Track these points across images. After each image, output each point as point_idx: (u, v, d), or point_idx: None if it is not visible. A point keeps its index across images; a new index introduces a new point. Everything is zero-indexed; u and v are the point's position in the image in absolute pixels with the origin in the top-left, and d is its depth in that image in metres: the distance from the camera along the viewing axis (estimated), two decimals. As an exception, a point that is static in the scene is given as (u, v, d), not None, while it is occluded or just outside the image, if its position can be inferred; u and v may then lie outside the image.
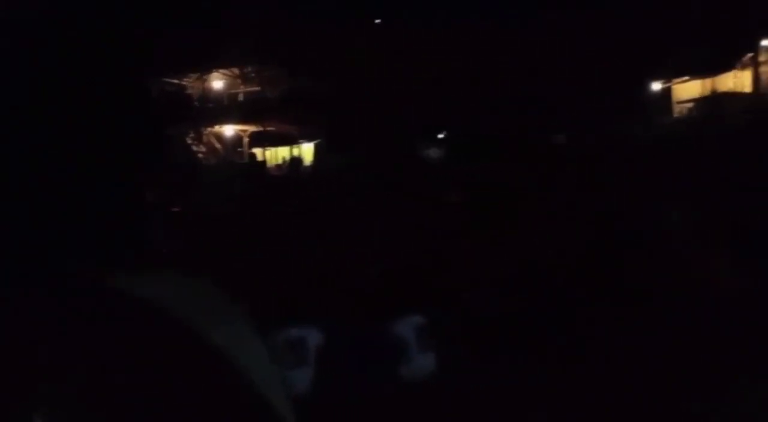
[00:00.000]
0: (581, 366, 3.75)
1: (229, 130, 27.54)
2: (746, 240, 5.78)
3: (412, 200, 6.84)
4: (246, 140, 27.74)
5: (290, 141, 27.45)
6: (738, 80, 24.61)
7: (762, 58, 23.78)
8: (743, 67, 24.42)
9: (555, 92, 22.62)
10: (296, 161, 21.71)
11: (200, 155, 25.95)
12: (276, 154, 27.41)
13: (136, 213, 0.81)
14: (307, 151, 27.15)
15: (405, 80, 24.56)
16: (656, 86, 26.87)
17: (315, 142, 26.71)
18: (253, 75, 28.01)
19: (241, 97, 28.92)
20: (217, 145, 27.35)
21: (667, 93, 26.87)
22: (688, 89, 26.05)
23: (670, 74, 26.11)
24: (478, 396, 3.19)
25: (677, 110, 25.70)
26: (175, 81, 26.53)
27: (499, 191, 7.32)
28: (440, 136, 24.90)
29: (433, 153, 20.44)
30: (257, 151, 26.74)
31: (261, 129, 27.20)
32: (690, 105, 24.42)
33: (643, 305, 4.57)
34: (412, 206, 6.54)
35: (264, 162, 25.22)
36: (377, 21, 28.20)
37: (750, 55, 23.92)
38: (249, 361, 0.68)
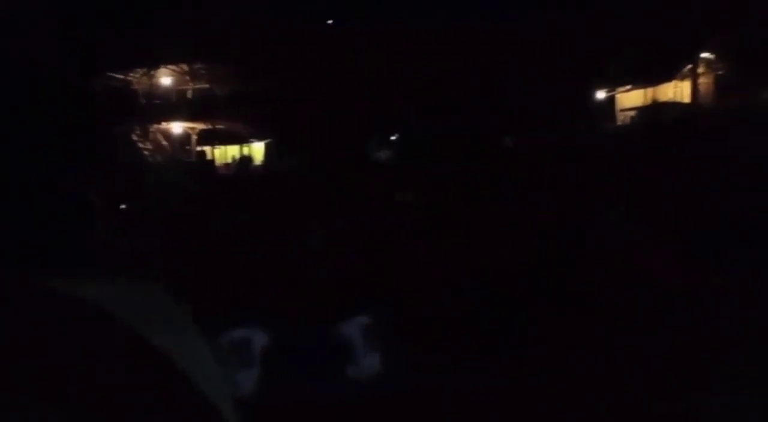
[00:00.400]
0: (527, 364, 3.82)
1: (177, 128, 26.97)
2: (686, 239, 6.02)
3: (363, 200, 6.85)
4: (194, 138, 27.20)
5: (240, 140, 27.07)
6: (678, 90, 25.62)
7: (700, 69, 24.80)
8: (683, 78, 25.42)
9: (506, 96, 23.01)
10: (246, 160, 21.47)
11: (147, 153, 25.33)
12: (225, 153, 26.99)
13: (77, 214, 0.80)
14: (257, 150, 26.83)
15: (357, 80, 24.55)
16: (601, 94, 27.80)
17: (265, 141, 26.42)
18: (202, 72, 27.48)
19: (189, 94, 28.34)
20: (165, 143, 26.74)
21: (611, 101, 27.82)
22: (631, 98, 27.04)
23: (614, 83, 27.02)
24: (425, 395, 3.22)
25: (621, 117, 26.64)
26: (120, 76, 25.82)
27: (450, 192, 7.40)
28: (393, 137, 25.02)
29: (385, 153, 20.54)
30: (206, 150, 26.30)
31: (210, 127, 26.74)
32: (633, 112, 25.35)
33: (587, 303, 4.70)
34: (363, 206, 6.55)
35: (213, 161, 24.81)
36: (329, 21, 28.11)
37: (689, 66, 24.91)
38: (193, 363, 0.68)
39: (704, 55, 24.53)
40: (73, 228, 0.80)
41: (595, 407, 3.34)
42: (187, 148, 27.01)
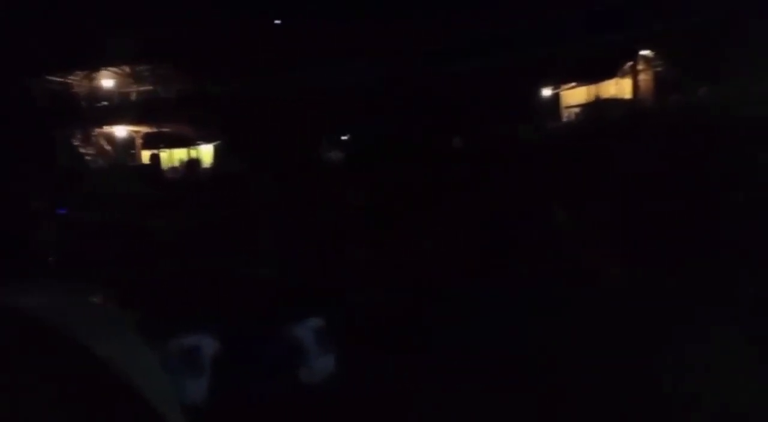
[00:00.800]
0: (479, 363, 3.87)
1: (120, 131, 26.25)
2: (628, 236, 6.21)
3: (313, 202, 6.81)
4: (139, 141, 26.54)
5: (187, 142, 26.55)
6: (619, 87, 26.41)
7: (640, 67, 25.63)
8: (624, 75, 26.22)
9: (453, 96, 23.28)
10: (193, 163, 21.04)
11: (88, 158, 24.58)
12: (172, 156, 26.44)
13: (13, 220, 0.77)
14: (205, 152, 26.37)
15: (306, 81, 24.41)
16: (547, 92, 28.43)
17: (214, 143, 26.00)
18: (146, 73, 26.83)
19: (133, 97, 27.62)
20: (107, 147, 26.00)
21: (556, 98, 28.47)
22: (575, 95, 27.71)
23: (559, 81, 27.65)
24: (376, 396, 3.22)
25: (565, 114, 27.29)
26: (60, 79, 25.00)
27: (400, 192, 7.44)
28: (344, 137, 24.98)
29: (336, 154, 20.47)
30: (152, 153, 25.70)
31: (155, 130, 26.12)
32: (577, 110, 25.99)
33: (532, 301, 4.79)
34: (314, 208, 6.52)
35: (159, 164, 24.25)
36: (277, 22, 27.87)
37: (630, 64, 25.71)
38: (138, 372, 0.66)
39: (644, 52, 25.36)
40: (9, 234, 0.77)
41: (547, 397, 3.41)
42: (132, 151, 26.35)
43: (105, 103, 27.24)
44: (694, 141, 12.21)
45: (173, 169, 24.23)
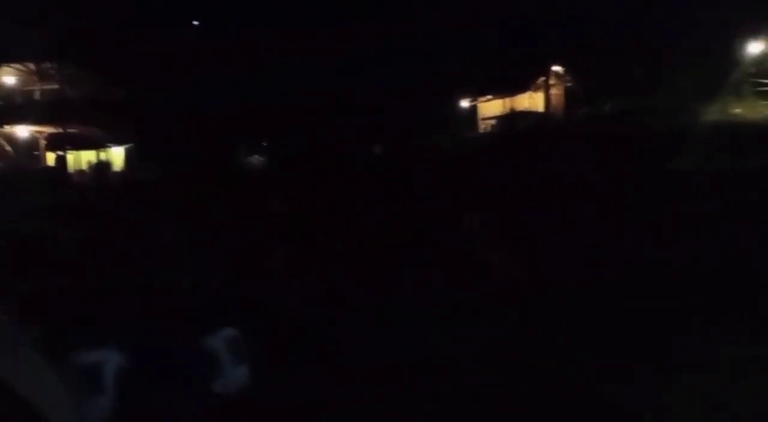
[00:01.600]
0: (389, 369, 3.91)
1: (22, 131, 24.75)
2: (539, 241, 6.48)
3: (228, 208, 6.68)
4: (43, 143, 25.12)
5: (96, 144, 25.36)
6: (533, 100, 27.56)
7: (552, 81, 26.83)
8: (537, 89, 27.37)
9: (373, 106, 23.53)
10: (103, 166, 20.16)
11: (-14, 159, 23.05)
12: (79, 159, 25.19)
13: None
14: (116, 155, 25.30)
15: (226, 85, 23.98)
16: (464, 103, 29.30)
17: (125, 146, 24.98)
18: (52, 72, 25.44)
19: (37, 96, 26.13)
20: (8, 148, 24.46)
21: (473, 110, 29.40)
22: (491, 107, 28.71)
23: (476, 93, 28.59)
24: (291, 406, 3.19)
25: (482, 125, 28.21)
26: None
27: (318, 200, 7.42)
28: (263, 144, 24.64)
29: (256, 160, 20.17)
30: (58, 155, 24.39)
31: (61, 131, 24.79)
32: (493, 121, 26.93)
33: (451, 304, 4.90)
34: (228, 215, 6.40)
35: (64, 167, 23.03)
36: (195, 23, 27.25)
37: (542, 78, 26.86)
38: (36, 390, 0.64)
39: (555, 68, 26.55)
40: None
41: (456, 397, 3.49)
42: (36, 153, 24.90)
43: (5, 101, 25.64)
44: (601, 150, 12.97)
45: (80, 172, 23.09)
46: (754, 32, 21.52)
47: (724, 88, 19.91)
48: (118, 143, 25.12)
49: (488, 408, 3.39)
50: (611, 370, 3.72)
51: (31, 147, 24.99)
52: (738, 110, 19.67)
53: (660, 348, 4.05)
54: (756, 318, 4.45)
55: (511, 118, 25.32)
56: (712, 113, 18.18)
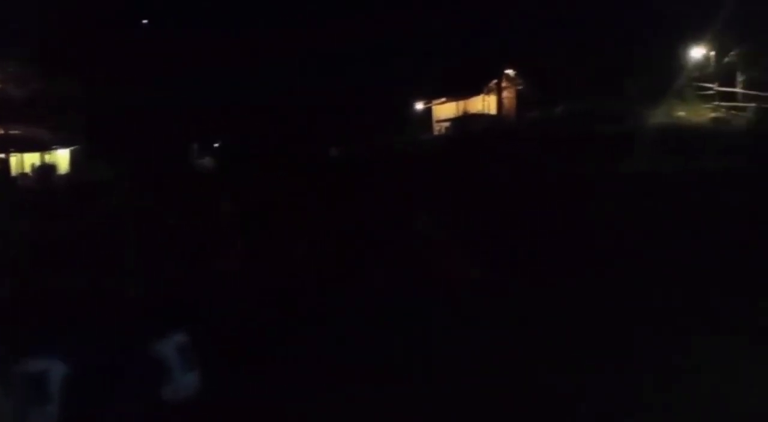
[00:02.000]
0: (344, 370, 3.88)
1: (-39, 132, 23.72)
2: (493, 241, 6.55)
3: (179, 211, 6.53)
4: (-17, 144, 24.12)
5: (41, 146, 24.51)
6: (485, 103, 27.96)
7: (504, 84, 27.25)
8: (489, 92, 27.77)
9: (328, 107, 23.50)
10: (48, 169, 19.47)
11: None
12: (22, 161, 24.31)
13: None
14: (62, 157, 24.52)
15: (176, 84, 23.53)
16: (419, 106, 29.57)
17: (71, 148, 24.26)
18: (-7, 70, 24.47)
19: (-24, 94, 25.08)
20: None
21: (428, 112, 29.67)
22: (445, 110, 29.03)
23: (430, 96, 28.87)
24: (242, 408, 3.12)
25: (437, 127, 28.50)
26: None
27: (271, 201, 7.33)
28: (216, 144, 24.28)
29: (207, 161, 19.85)
30: (-2, 157, 23.47)
31: (3, 132, 23.85)
32: (447, 123, 27.24)
33: (401, 307, 4.91)
34: (179, 217, 6.25)
35: (7, 169, 22.18)
36: (144, 21, 26.67)
37: (495, 81, 27.25)
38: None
39: (507, 71, 26.96)
40: None
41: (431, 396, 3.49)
42: (-26, 155, 23.91)
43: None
44: (552, 152, 13.25)
45: (24, 175, 22.26)
46: (697, 37, 22.34)
47: (669, 92, 20.63)
48: (64, 145, 24.36)
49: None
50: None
51: (-31, 148, 23.98)
52: (682, 113, 20.41)
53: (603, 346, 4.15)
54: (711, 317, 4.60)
55: (464, 120, 25.66)
56: (658, 116, 18.81)
